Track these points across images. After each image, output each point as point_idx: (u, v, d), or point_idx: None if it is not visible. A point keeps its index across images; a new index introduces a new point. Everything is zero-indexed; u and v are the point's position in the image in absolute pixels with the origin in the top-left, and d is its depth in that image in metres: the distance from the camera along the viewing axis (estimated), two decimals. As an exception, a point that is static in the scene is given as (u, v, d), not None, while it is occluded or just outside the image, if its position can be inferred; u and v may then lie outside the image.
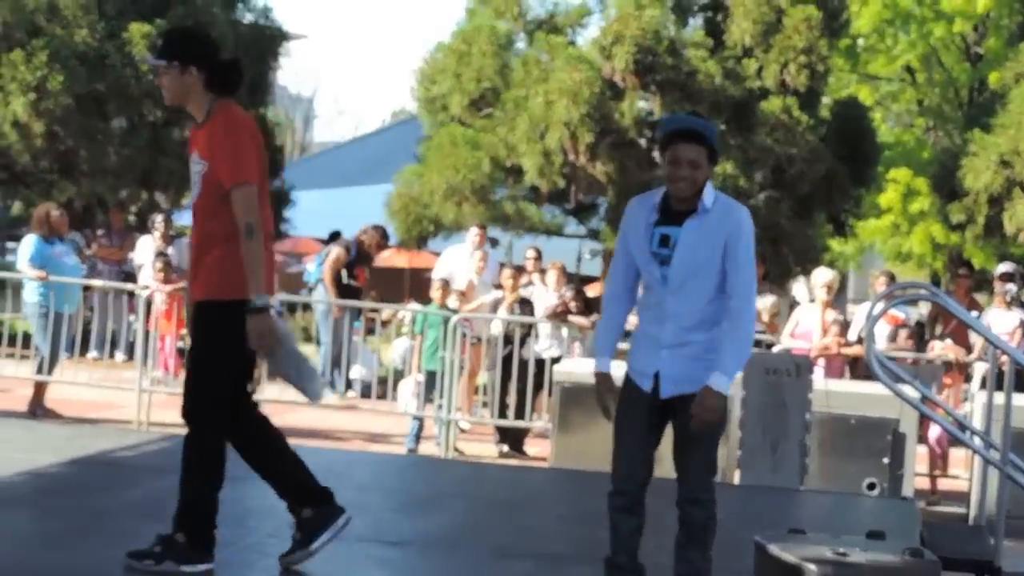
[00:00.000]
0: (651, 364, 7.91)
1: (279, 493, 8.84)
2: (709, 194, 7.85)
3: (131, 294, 19.48)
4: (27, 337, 18.52)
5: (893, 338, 17.31)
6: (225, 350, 8.32)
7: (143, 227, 23.84)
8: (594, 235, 23.79)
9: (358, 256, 21.24)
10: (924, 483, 16.31)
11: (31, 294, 17.84)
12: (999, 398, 10.41)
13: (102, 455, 12.43)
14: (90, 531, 9.46)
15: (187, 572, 8.42)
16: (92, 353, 20.73)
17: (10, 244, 43.26)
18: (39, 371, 17.74)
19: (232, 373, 8.51)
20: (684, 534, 7.76)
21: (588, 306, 18.65)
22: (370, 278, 21.63)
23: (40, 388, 17.68)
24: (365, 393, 19.19)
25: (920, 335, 18.42)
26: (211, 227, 8.26)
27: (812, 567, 5.05)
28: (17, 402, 17.48)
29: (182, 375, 18.40)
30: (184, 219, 28.71)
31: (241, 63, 8.87)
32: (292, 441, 15.27)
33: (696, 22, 23.22)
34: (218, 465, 8.70)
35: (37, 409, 17.30)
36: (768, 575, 5.37)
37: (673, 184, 7.68)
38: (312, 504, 8.68)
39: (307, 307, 23.92)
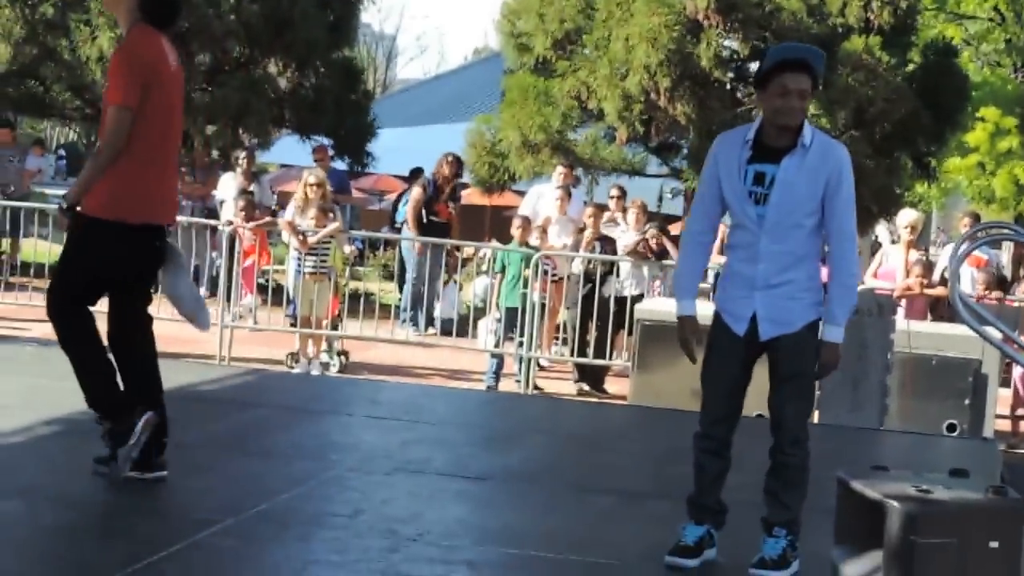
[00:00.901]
0: (746, 306, 7.76)
1: (88, 403, 8.76)
2: (808, 131, 7.68)
3: (214, 230, 19.59)
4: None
5: (982, 283, 17.29)
6: (80, 259, 8.49)
7: (227, 164, 23.90)
8: (676, 174, 23.71)
9: (435, 192, 21.26)
10: (1005, 425, 16.24)
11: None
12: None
13: (184, 389, 12.44)
14: (172, 464, 9.49)
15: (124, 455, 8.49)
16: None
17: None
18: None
19: (83, 280, 8.55)
20: (780, 479, 7.63)
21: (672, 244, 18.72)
22: (456, 212, 21.57)
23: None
24: (446, 330, 19.20)
25: (1002, 280, 18.29)
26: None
27: (895, 503, 5.02)
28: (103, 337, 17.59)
29: (261, 310, 18.64)
30: (267, 157, 28.84)
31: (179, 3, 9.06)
32: (372, 376, 15.42)
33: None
34: (89, 343, 8.71)
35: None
36: (851, 511, 5.33)
37: (783, 116, 7.53)
38: (114, 417, 8.57)
39: (389, 244, 24.00)
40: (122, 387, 8.70)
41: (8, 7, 22.95)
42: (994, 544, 5.03)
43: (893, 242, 17.93)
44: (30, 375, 12.34)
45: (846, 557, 5.34)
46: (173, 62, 8.66)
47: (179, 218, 19.82)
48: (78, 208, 8.35)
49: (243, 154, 22.81)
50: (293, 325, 17.68)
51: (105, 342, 8.78)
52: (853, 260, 7.68)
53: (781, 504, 7.62)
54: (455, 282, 20.56)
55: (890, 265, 17.29)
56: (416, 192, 21.19)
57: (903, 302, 16.28)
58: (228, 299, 17.82)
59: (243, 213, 18.91)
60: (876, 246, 21.48)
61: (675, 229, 21.32)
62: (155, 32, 8.53)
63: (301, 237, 17.30)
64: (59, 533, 7.65)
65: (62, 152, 52.62)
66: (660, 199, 29.46)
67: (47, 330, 17.24)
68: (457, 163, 21.59)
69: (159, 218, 8.65)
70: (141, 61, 8.36)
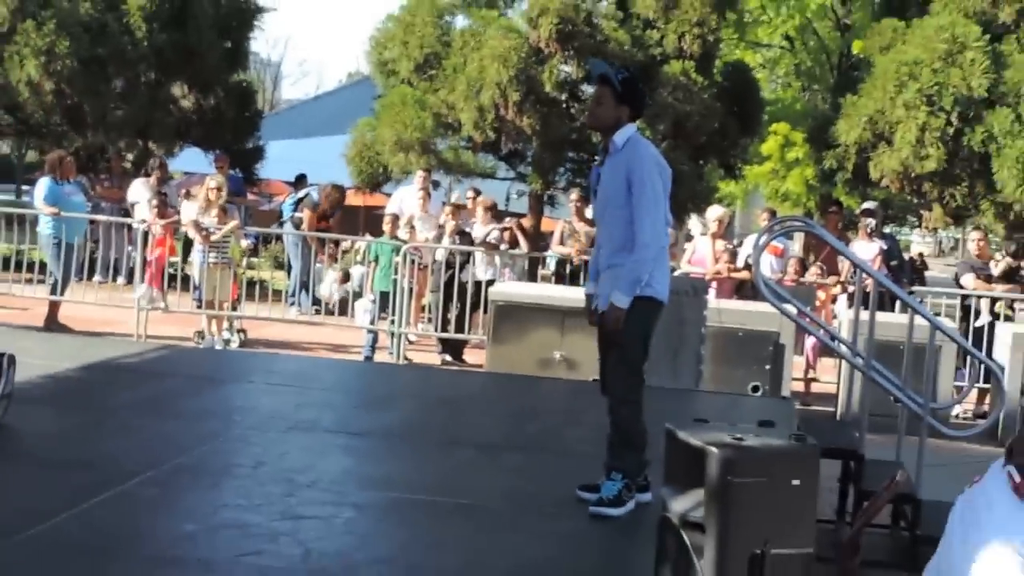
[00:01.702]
0: (592, 287, 7.99)
1: None
2: (622, 135, 7.77)
3: (129, 227, 19.43)
4: (42, 265, 18.50)
5: (782, 268, 17.62)
6: None
7: (138, 172, 23.70)
8: (522, 178, 23.77)
9: (322, 212, 21.37)
10: (798, 387, 16.50)
11: (45, 227, 17.85)
12: (864, 315, 10.54)
13: (108, 362, 12.42)
14: (100, 425, 9.45)
15: None
16: (97, 277, 20.65)
17: (24, 187, 42.94)
18: (53, 292, 17.73)
19: None
20: (613, 432, 7.74)
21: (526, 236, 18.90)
22: (333, 224, 21.59)
23: (54, 307, 17.66)
24: (329, 311, 19.23)
25: (802, 263, 18.60)
26: None
27: (714, 449, 5.11)
28: (35, 319, 17.42)
29: (171, 295, 18.52)
30: (173, 165, 28.59)
31: None
32: (267, 350, 15.37)
33: (607, -3, 23.23)
34: None
35: (52, 324, 17.28)
36: (677, 457, 5.41)
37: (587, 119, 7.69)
38: None
39: (278, 238, 23.90)
40: None
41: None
42: (796, 482, 5.13)
43: (703, 234, 18.10)
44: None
45: (674, 495, 5.42)
46: None
47: (100, 217, 19.72)
48: None
49: (156, 162, 22.68)
50: (199, 307, 17.58)
51: None
52: (643, 243, 7.54)
53: (614, 453, 7.71)
54: (336, 270, 20.48)
55: (700, 253, 17.49)
56: (308, 215, 21.13)
57: (714, 284, 16.47)
58: (142, 285, 17.72)
59: (155, 211, 18.77)
60: (689, 237, 21.73)
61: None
62: None
63: (204, 233, 17.22)
64: (12, 483, 7.59)
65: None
66: (507, 199, 29.54)
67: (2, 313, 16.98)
68: (339, 191, 21.64)
69: None
70: None
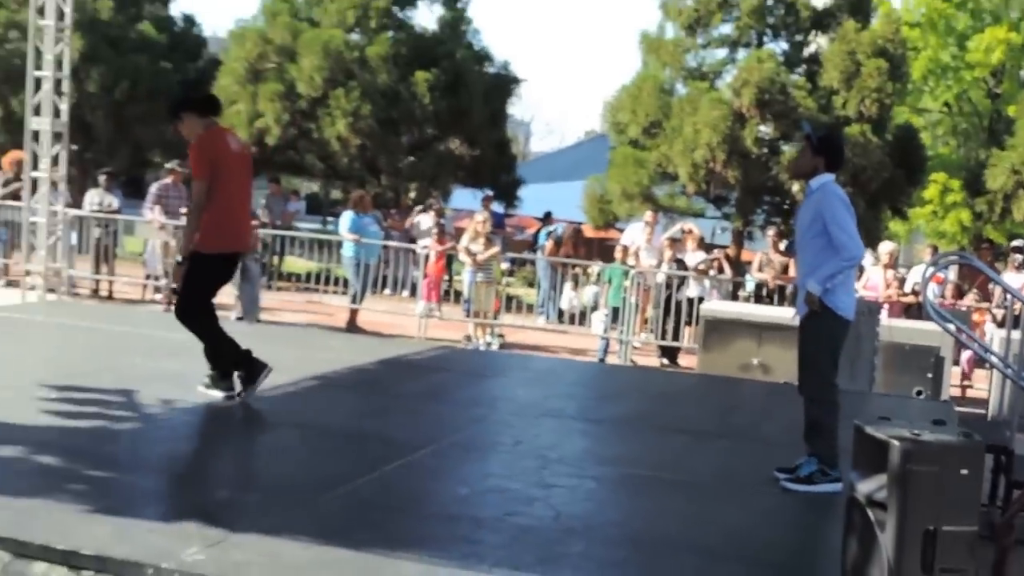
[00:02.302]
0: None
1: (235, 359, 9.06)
2: (817, 181, 7.68)
3: (414, 251, 19.74)
4: (344, 280, 18.87)
5: (941, 293, 17.20)
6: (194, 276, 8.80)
7: (420, 208, 24.08)
8: (726, 217, 23.62)
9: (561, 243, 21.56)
10: (955, 392, 16.02)
11: (348, 251, 18.19)
12: (1015, 333, 10.25)
13: (397, 358, 12.60)
14: (391, 408, 9.59)
15: (221, 395, 8.97)
16: (387, 291, 21.03)
17: (329, 219, 43.91)
18: (352, 302, 18.06)
19: (199, 290, 8.85)
20: (806, 423, 7.64)
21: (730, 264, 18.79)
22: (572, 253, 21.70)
23: (353, 313, 17.98)
24: (569, 321, 19.27)
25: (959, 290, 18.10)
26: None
27: (896, 442, 4.99)
28: (338, 322, 17.77)
29: (446, 306, 18.76)
30: (450, 202, 28.98)
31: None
32: (521, 352, 15.42)
33: (799, 71, 22.88)
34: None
35: (352, 327, 17.61)
36: (864, 447, 5.30)
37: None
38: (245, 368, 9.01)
39: (529, 262, 24.06)
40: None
41: (278, 101, 23.22)
42: (964, 471, 4.98)
43: (875, 265, 17.67)
44: (296, 347, 12.49)
45: (860, 479, 5.30)
46: (236, 146, 9.12)
47: (390, 243, 20.05)
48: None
49: (435, 201, 23.06)
50: (467, 316, 17.77)
51: None
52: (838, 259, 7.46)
53: (809, 441, 7.60)
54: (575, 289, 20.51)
55: (874, 281, 17.09)
56: (550, 245, 21.31)
57: (885, 306, 16.08)
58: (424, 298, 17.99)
59: (436, 239, 19.06)
60: (860, 268, 21.34)
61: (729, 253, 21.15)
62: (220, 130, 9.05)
63: (473, 257, 17.41)
64: (323, 451, 7.76)
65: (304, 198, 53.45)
66: (713, 234, 29.32)
67: (303, 317, 17.43)
68: (578, 230, 21.82)
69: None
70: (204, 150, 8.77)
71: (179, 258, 8.85)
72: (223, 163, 8.75)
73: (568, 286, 19.58)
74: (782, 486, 7.54)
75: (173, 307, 9.34)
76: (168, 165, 19.33)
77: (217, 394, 8.94)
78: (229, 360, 8.99)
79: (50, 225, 15.84)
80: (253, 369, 9.00)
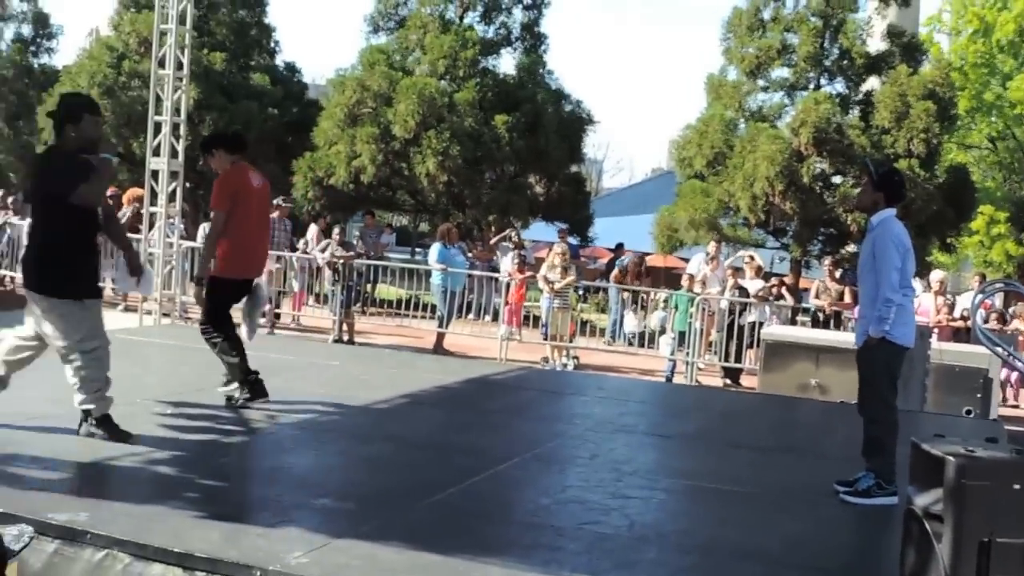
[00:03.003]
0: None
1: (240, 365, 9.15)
2: (877, 217, 7.59)
3: (496, 279, 19.76)
4: (431, 306, 18.92)
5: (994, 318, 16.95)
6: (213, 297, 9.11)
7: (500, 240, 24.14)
8: (784, 247, 23.42)
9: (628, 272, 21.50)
10: (1003, 412, 15.73)
11: (436, 279, 18.31)
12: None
13: (481, 377, 12.59)
14: (476, 423, 9.58)
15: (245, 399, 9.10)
16: (471, 316, 21.04)
17: (417, 249, 44.13)
18: (440, 325, 18.12)
19: (217, 310, 9.09)
20: (864, 440, 7.54)
21: (789, 291, 18.61)
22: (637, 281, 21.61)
23: (440, 337, 18.05)
24: (640, 343, 19.15)
25: (1002, 315, 17.79)
26: None
27: (952, 458, 4.90)
28: (426, 344, 17.84)
29: (525, 330, 18.73)
30: (528, 235, 28.98)
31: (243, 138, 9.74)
32: (595, 372, 15.36)
33: (853, 111, 22.67)
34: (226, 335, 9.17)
35: (439, 349, 17.66)
36: (920, 463, 5.20)
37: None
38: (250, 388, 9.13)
39: (602, 289, 23.97)
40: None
41: (374, 143, 23.35)
42: (1016, 486, 4.88)
43: (925, 291, 17.42)
44: (388, 368, 12.53)
45: (917, 492, 5.21)
46: (257, 182, 9.26)
47: (475, 272, 20.06)
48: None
49: (514, 232, 23.09)
50: (545, 339, 17.75)
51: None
52: (884, 299, 7.35)
53: (868, 457, 7.48)
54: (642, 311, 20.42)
55: (924, 306, 16.84)
56: (616, 274, 21.29)
57: (936, 330, 15.84)
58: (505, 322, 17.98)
59: (516, 267, 19.06)
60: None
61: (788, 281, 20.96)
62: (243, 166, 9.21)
63: (550, 284, 17.39)
64: (415, 463, 7.76)
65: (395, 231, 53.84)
66: (772, 263, 29.07)
67: (394, 340, 17.46)
68: (642, 260, 21.69)
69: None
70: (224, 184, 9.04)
71: (199, 279, 9.23)
72: (244, 196, 8.99)
73: (629, 312, 19.51)
74: (841, 499, 7.43)
75: (247, 331, 9.54)
76: (274, 201, 19.54)
77: (233, 389, 9.15)
78: (239, 375, 9.15)
79: (166, 255, 16.06)
80: (256, 392, 9.14)
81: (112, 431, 7.45)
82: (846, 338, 11.99)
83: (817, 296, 17.95)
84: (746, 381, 17.11)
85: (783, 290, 18.92)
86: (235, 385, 9.12)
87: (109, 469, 6.81)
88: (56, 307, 7.24)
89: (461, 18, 26.23)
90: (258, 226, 9.31)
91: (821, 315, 17.51)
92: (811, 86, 22.77)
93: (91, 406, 7.43)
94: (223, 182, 9.01)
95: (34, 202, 7.58)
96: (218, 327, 9.07)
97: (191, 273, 18.93)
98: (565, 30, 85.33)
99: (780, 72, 23.15)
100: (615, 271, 21.79)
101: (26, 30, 33.45)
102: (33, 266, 7.37)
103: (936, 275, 17.61)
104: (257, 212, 9.22)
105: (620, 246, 26.09)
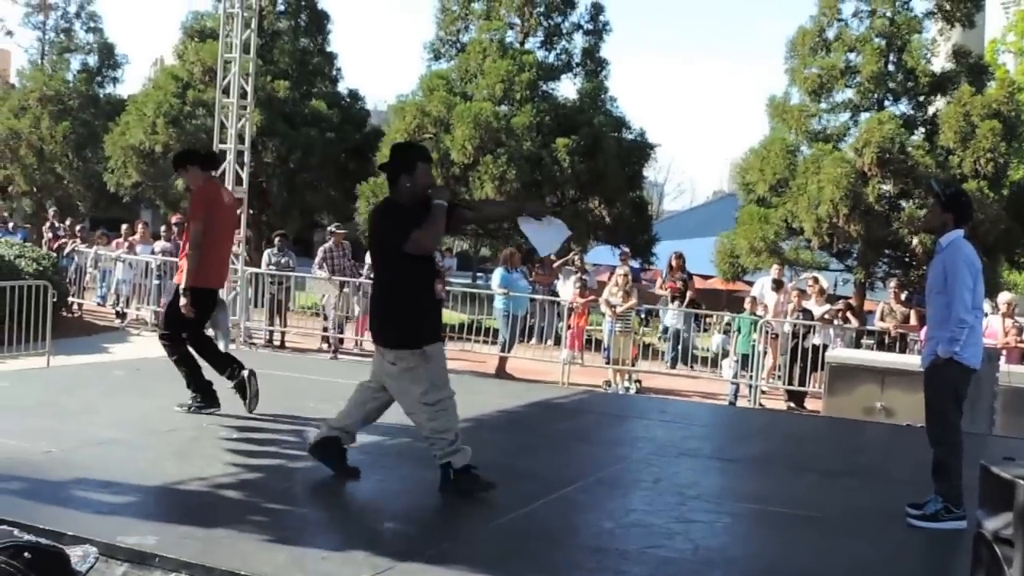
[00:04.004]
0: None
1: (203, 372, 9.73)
2: (946, 238, 7.53)
3: (558, 303, 19.76)
4: (493, 330, 18.96)
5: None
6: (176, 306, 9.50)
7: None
8: (848, 269, 23.23)
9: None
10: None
11: (498, 303, 18.34)
12: None
13: (543, 401, 12.61)
14: (540, 447, 9.58)
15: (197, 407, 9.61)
16: (533, 340, 21.06)
17: (478, 274, 44.24)
18: (502, 349, 18.16)
19: (181, 319, 9.43)
20: (933, 464, 7.45)
21: (853, 314, 18.47)
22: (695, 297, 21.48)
23: (503, 361, 18.08)
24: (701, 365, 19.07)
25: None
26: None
27: (1022, 481, 4.84)
28: (488, 369, 17.88)
29: (587, 354, 18.72)
30: (589, 258, 28.97)
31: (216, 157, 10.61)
32: (657, 396, 15.28)
33: (918, 131, 22.48)
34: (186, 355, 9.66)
35: (501, 373, 17.69)
36: (990, 486, 5.14)
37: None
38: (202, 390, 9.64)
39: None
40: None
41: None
42: (1089, 510, 4.81)
43: (993, 313, 17.20)
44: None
45: (987, 516, 5.14)
46: (228, 199, 9.89)
47: (537, 296, 20.07)
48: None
49: (576, 256, 23.07)
50: (607, 363, 17.73)
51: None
52: (956, 320, 7.29)
53: (936, 480, 7.40)
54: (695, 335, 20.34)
55: (992, 328, 16.63)
56: (665, 296, 21.16)
57: (1004, 352, 15.63)
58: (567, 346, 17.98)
59: (578, 292, 19.07)
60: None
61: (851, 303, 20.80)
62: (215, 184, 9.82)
63: (612, 308, 17.39)
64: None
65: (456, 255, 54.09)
66: (836, 285, 28.83)
67: (456, 365, 17.52)
68: (680, 256, 21.43)
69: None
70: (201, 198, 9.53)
71: (182, 290, 9.51)
72: (216, 212, 9.47)
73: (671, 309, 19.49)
74: (908, 522, 7.35)
75: (222, 341, 10.35)
76: (331, 228, 19.76)
77: (244, 384, 9.65)
78: (199, 381, 9.63)
79: (230, 282, 16.23)
80: (209, 401, 9.61)
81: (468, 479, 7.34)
82: (912, 360, 11.90)
83: (882, 318, 17.81)
84: (811, 404, 16.98)
85: (848, 312, 18.78)
86: (192, 395, 9.65)
87: (176, 493, 6.89)
88: (399, 358, 7.20)
89: (521, 43, 26.36)
90: (227, 240, 10.00)
91: (886, 338, 17.36)
92: (875, 107, 22.62)
93: (448, 460, 7.29)
94: (199, 196, 9.52)
95: (373, 255, 7.59)
96: (176, 338, 9.55)
97: (255, 299, 19.18)
98: (625, 52, 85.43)
99: (844, 93, 23.04)
100: (660, 281, 21.74)
101: (92, 60, 34.06)
102: (376, 319, 7.39)
103: (1004, 297, 17.38)
104: (227, 227, 9.86)
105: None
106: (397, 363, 7.19)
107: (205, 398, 9.60)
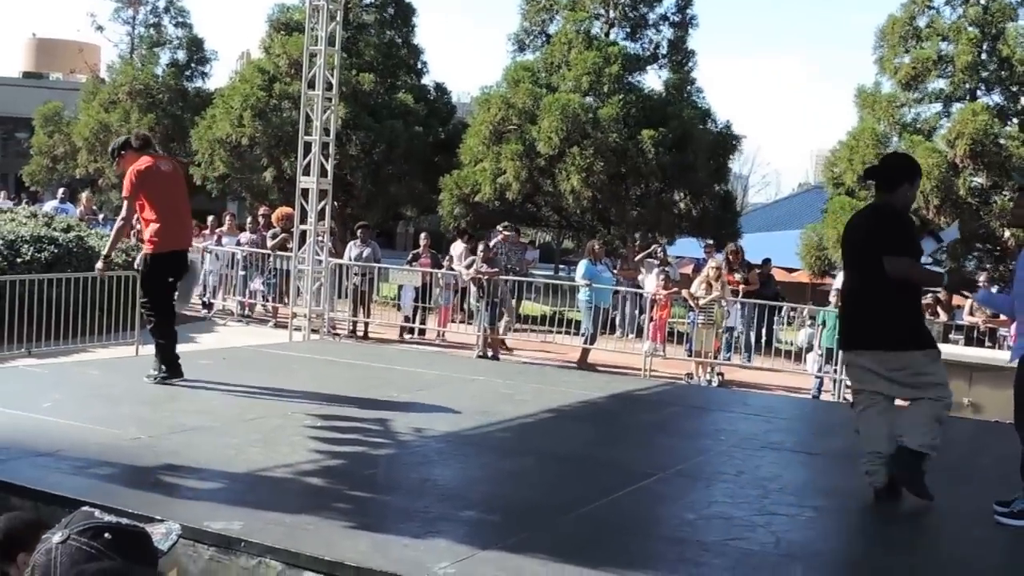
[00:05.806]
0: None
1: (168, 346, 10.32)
2: None
3: (641, 295, 19.72)
4: (575, 322, 18.97)
5: None
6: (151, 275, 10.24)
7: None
8: (938, 263, 22.91)
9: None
10: None
11: (583, 295, 18.35)
12: None
13: (625, 393, 12.57)
14: (621, 438, 9.56)
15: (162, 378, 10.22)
16: (616, 331, 21.03)
17: (561, 266, 44.23)
18: (585, 341, 18.15)
19: (156, 284, 10.19)
20: (1021, 464, 7.30)
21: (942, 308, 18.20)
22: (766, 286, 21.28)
23: (585, 352, 18.07)
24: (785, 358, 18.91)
25: None
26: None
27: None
28: (571, 359, 17.89)
29: (669, 346, 18.66)
30: (673, 251, 28.88)
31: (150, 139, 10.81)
32: (739, 388, 15.18)
33: (1012, 122, 22.10)
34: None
35: (583, 365, 17.68)
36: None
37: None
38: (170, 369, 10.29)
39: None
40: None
41: (518, 160, 23.57)
42: None
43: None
44: (534, 382, 12.57)
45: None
46: (166, 167, 10.31)
47: (620, 288, 20.04)
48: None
49: (659, 248, 23.00)
50: (689, 355, 17.66)
51: None
52: None
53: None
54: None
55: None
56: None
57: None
58: (649, 338, 17.93)
59: (662, 283, 19.01)
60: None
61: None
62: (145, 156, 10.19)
63: (696, 300, 17.32)
64: (559, 477, 7.80)
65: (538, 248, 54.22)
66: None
67: (539, 356, 17.56)
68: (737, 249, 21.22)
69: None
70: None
71: (100, 263, 10.69)
72: (156, 182, 10.01)
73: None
74: (996, 520, 7.23)
75: (178, 300, 10.65)
76: (499, 227, 20.32)
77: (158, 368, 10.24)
78: (169, 353, 10.26)
79: (314, 272, 16.41)
80: (174, 372, 10.26)
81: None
82: (1001, 356, 11.69)
83: (971, 313, 17.52)
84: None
85: (936, 306, 18.48)
86: (159, 365, 10.27)
87: (262, 480, 7.00)
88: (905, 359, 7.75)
89: (607, 34, 26.32)
90: (175, 203, 10.25)
91: (975, 332, 17.08)
92: (967, 97, 22.26)
93: (926, 451, 7.61)
94: (131, 172, 9.98)
95: (854, 258, 7.82)
96: (156, 307, 10.19)
97: (339, 290, 19.37)
98: (709, 43, 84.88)
99: (935, 83, 22.71)
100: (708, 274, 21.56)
101: (181, 55, 34.58)
102: (869, 323, 7.68)
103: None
104: (173, 192, 10.24)
105: (767, 262, 25.79)
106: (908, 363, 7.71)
107: (171, 370, 10.26)
